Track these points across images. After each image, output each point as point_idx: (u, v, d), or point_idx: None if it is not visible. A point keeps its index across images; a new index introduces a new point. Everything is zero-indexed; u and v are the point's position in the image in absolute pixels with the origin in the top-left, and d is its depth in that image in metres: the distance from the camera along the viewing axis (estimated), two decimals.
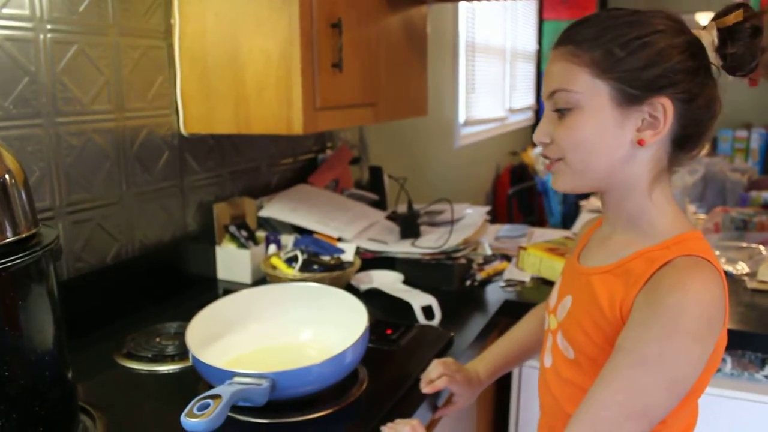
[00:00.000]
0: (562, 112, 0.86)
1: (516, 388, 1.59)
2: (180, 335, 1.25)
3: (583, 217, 2.89)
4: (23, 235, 0.82)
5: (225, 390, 0.87)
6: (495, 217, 4.42)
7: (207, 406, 0.83)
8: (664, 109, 0.82)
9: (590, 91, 0.83)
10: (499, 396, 1.66)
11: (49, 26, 1.24)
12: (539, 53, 5.52)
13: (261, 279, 1.66)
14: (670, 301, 0.76)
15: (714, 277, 0.79)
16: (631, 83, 0.81)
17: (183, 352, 1.22)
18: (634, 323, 0.79)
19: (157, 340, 1.28)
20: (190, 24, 1.49)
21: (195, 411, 0.82)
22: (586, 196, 4.64)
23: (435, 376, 1.11)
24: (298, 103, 1.40)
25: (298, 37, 1.37)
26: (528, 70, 5.29)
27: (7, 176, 0.80)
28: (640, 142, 0.83)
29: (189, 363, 1.14)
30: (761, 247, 1.88)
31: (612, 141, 0.84)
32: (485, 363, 1.19)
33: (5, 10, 1.16)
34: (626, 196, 0.88)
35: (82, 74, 1.32)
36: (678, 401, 0.80)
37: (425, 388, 1.10)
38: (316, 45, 1.42)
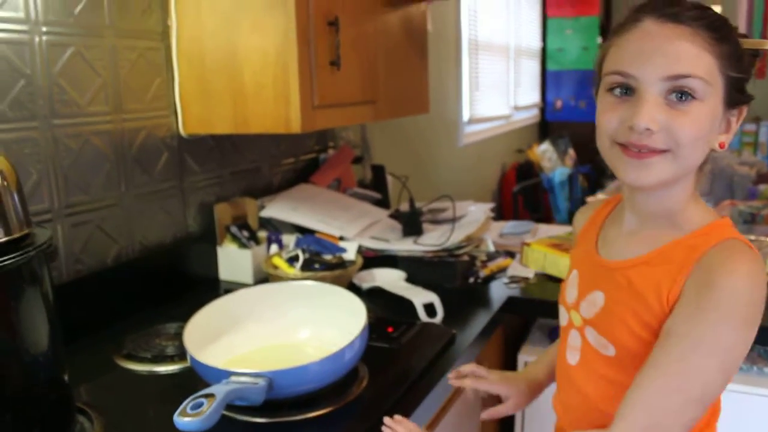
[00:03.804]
0: (682, 100, 0.79)
1: None
2: (180, 336, 1.24)
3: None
4: (15, 236, 0.81)
5: (219, 389, 0.86)
6: (501, 215, 4.40)
7: (200, 405, 0.82)
8: (739, 115, 0.85)
9: (716, 84, 0.80)
10: None
11: (44, 29, 1.24)
12: (544, 50, 5.49)
13: (263, 279, 1.66)
14: (723, 284, 0.76)
15: (758, 259, 0.80)
16: (737, 87, 0.82)
17: (183, 353, 1.21)
18: (686, 308, 0.78)
19: (157, 340, 1.28)
20: (187, 25, 1.48)
21: (188, 410, 0.82)
22: (593, 191, 4.61)
23: (467, 371, 1.12)
24: (296, 101, 1.39)
25: (294, 36, 1.37)
26: (532, 68, 5.26)
27: None
28: (722, 145, 0.84)
29: (189, 363, 1.13)
30: None
31: (711, 140, 0.83)
32: (542, 364, 1.16)
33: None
34: (673, 192, 0.85)
35: (78, 76, 1.31)
36: (727, 385, 0.79)
37: (451, 380, 1.12)
38: (314, 43, 1.41)
